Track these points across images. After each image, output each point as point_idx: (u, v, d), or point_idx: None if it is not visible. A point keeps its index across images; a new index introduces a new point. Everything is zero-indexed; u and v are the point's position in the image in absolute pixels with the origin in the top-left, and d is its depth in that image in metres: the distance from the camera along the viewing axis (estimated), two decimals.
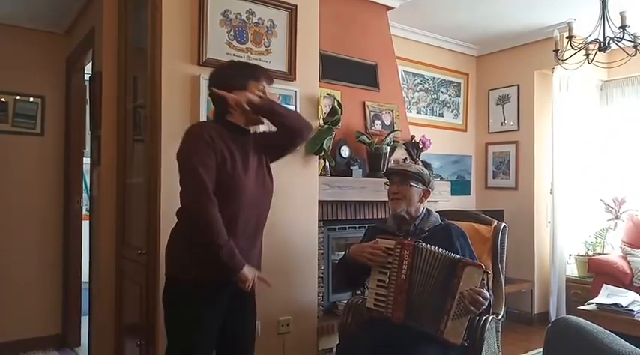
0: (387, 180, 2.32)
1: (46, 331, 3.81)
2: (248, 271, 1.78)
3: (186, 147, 1.77)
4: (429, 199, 2.30)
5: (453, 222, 2.38)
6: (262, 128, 1.99)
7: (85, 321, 3.54)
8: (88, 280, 3.29)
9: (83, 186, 4.02)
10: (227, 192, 1.76)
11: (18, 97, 3.78)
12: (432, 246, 2.04)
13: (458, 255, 2.07)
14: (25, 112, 3.80)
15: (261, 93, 1.86)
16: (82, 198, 3.94)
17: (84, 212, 3.97)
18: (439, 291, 2.00)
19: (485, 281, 1.98)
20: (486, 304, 1.97)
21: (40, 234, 3.82)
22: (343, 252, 3.13)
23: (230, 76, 1.88)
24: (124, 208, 2.77)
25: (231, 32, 2.50)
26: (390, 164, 3.35)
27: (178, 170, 1.77)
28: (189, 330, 1.80)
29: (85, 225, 3.60)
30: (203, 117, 2.39)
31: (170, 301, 1.86)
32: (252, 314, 2.02)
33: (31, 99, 3.83)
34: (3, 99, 3.74)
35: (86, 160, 3.75)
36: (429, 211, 2.31)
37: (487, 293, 1.96)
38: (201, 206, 1.70)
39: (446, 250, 2.05)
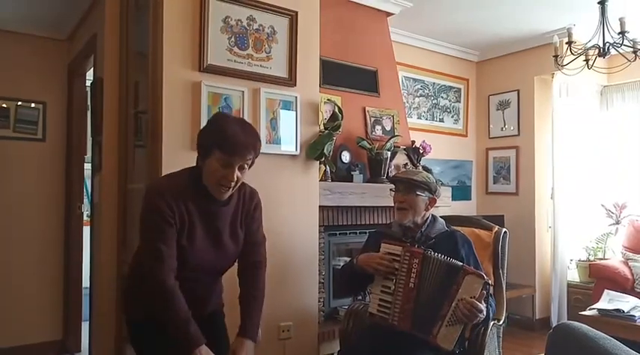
0: (392, 186, 2.30)
1: (47, 337, 3.80)
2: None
3: (145, 216, 1.69)
4: None
5: (455, 228, 2.38)
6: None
7: (85, 327, 3.53)
8: (88, 286, 3.29)
9: (84, 191, 4.03)
10: (181, 257, 1.69)
11: (19, 103, 3.79)
12: (440, 255, 2.03)
13: (462, 262, 2.06)
14: (27, 118, 3.82)
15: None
16: (83, 203, 3.94)
17: (85, 217, 3.96)
18: (438, 297, 1.99)
19: (485, 292, 1.96)
20: (481, 316, 1.94)
21: (41, 239, 3.82)
22: (344, 258, 3.15)
23: (198, 140, 1.74)
24: (125, 214, 2.77)
25: (232, 38, 2.51)
26: (390, 169, 3.35)
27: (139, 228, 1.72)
28: None
29: (86, 231, 3.60)
30: (204, 123, 2.39)
31: (133, 344, 1.82)
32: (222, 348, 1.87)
33: (33, 105, 3.84)
34: (4, 105, 3.75)
35: (87, 166, 3.76)
36: (434, 217, 2.28)
37: (482, 306, 1.94)
38: (158, 278, 1.62)
39: (451, 258, 2.03)
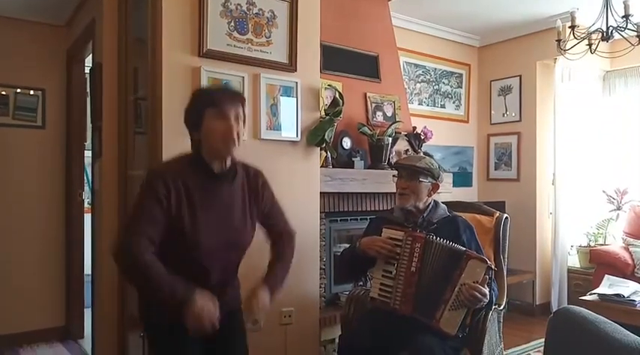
0: (395, 172, 2.30)
1: (50, 323, 3.83)
2: (201, 302, 1.55)
3: (137, 196, 1.66)
4: None
5: (457, 213, 2.37)
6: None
7: (88, 313, 3.56)
8: (90, 272, 3.30)
9: (84, 178, 4.03)
10: (182, 239, 1.65)
11: (18, 90, 3.77)
12: (443, 240, 2.03)
13: (464, 247, 2.06)
14: (26, 105, 3.80)
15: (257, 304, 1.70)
16: (83, 190, 3.94)
17: (86, 205, 3.97)
18: (441, 281, 2.00)
19: (487, 277, 1.97)
20: (485, 300, 1.95)
21: (43, 227, 3.83)
22: (345, 244, 3.15)
23: (187, 116, 1.72)
24: (125, 200, 2.77)
25: (232, 23, 2.49)
26: (391, 155, 3.34)
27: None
28: None
29: (87, 218, 3.61)
30: None
31: (151, 344, 1.81)
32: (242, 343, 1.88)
33: (32, 92, 3.82)
34: (3, 93, 3.74)
35: (87, 153, 3.75)
36: (436, 202, 2.29)
37: (486, 290, 1.95)
38: (132, 251, 1.57)
39: (453, 242, 2.04)
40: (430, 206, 2.25)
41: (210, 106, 1.65)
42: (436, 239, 2.04)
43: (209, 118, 1.65)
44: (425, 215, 2.23)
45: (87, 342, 3.60)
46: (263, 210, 1.86)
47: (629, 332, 1.46)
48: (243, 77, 2.52)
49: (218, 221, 1.71)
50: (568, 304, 4.25)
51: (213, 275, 1.72)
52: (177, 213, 1.63)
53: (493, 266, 2.03)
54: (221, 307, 1.66)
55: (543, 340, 1.67)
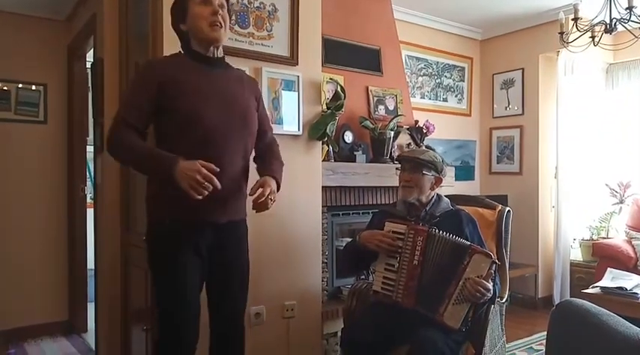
0: (398, 165, 2.30)
1: (53, 317, 3.85)
2: (188, 163, 1.58)
3: (128, 85, 1.75)
4: None
5: (459, 207, 2.37)
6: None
7: (91, 307, 3.58)
8: (93, 267, 3.31)
9: (87, 173, 4.03)
10: (184, 118, 1.68)
11: (20, 85, 3.77)
12: (445, 233, 2.03)
13: (467, 241, 2.06)
14: (28, 100, 3.80)
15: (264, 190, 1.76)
16: (85, 185, 3.95)
17: (88, 199, 3.98)
18: (445, 275, 2.00)
19: (492, 271, 1.97)
20: (488, 295, 1.95)
21: (45, 222, 3.84)
22: (347, 238, 3.16)
23: (172, 12, 1.80)
24: (127, 195, 2.78)
25: (233, 16, 2.47)
26: (393, 149, 3.34)
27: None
28: (168, 270, 1.74)
29: (90, 213, 3.62)
30: None
31: (148, 243, 1.81)
32: (238, 257, 1.90)
33: (34, 87, 3.82)
34: (5, 88, 3.74)
35: (89, 148, 3.75)
36: (439, 196, 2.29)
37: (490, 285, 1.95)
38: (115, 133, 1.68)
39: (456, 236, 2.04)
40: (433, 199, 2.25)
41: None
42: (439, 232, 2.04)
43: (193, 6, 1.73)
44: (428, 208, 2.23)
45: (90, 336, 3.62)
46: (260, 117, 1.93)
47: (631, 325, 1.46)
48: (245, 71, 2.51)
49: (222, 103, 1.73)
50: (570, 297, 4.26)
51: (226, 167, 1.70)
52: (171, 93, 1.67)
53: (497, 261, 2.03)
54: (230, 213, 1.76)
55: (545, 333, 1.67)
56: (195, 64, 1.76)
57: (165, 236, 1.75)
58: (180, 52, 1.84)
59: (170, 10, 1.82)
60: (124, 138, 1.67)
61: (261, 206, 1.78)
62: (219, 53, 1.81)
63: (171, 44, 2.31)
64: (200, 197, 1.58)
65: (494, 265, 1.97)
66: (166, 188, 1.67)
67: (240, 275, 1.92)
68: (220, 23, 1.73)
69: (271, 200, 1.79)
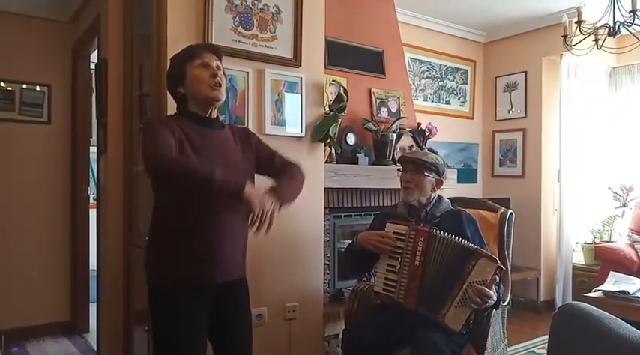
0: (400, 166, 2.30)
1: (55, 318, 3.86)
2: (253, 191, 1.56)
3: (145, 137, 1.68)
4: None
5: (461, 208, 2.37)
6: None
7: (93, 308, 3.58)
8: (95, 267, 3.32)
9: (90, 174, 4.04)
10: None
11: (24, 86, 3.79)
12: (447, 234, 2.03)
13: (468, 241, 2.06)
14: (32, 101, 3.82)
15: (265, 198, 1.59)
16: (89, 186, 3.96)
17: (91, 200, 3.99)
18: (449, 277, 2.00)
19: (496, 277, 1.96)
20: (490, 302, 1.95)
21: (48, 222, 3.85)
22: (349, 240, 3.15)
23: (169, 75, 1.80)
24: (130, 196, 2.78)
25: (237, 18, 2.48)
26: (396, 151, 3.34)
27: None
28: (173, 339, 1.72)
29: (93, 213, 3.63)
30: None
31: (152, 312, 1.78)
32: (243, 316, 1.89)
33: (38, 87, 3.84)
34: (10, 88, 3.75)
35: (93, 148, 3.76)
36: (440, 197, 2.29)
37: (492, 292, 1.94)
38: (158, 154, 1.59)
39: (458, 236, 2.04)
40: (434, 200, 2.25)
41: (191, 59, 1.76)
42: (440, 233, 2.04)
43: (192, 69, 1.74)
44: (428, 209, 2.23)
45: (92, 337, 3.62)
46: (259, 155, 1.91)
47: (633, 328, 1.45)
48: (248, 72, 2.52)
49: (219, 160, 1.71)
50: (573, 301, 4.26)
51: (226, 227, 1.71)
52: (181, 151, 1.67)
53: (503, 267, 2.02)
54: (238, 269, 1.77)
55: (547, 337, 1.66)
56: (194, 125, 1.75)
57: (168, 305, 1.72)
58: (176, 113, 1.83)
59: (167, 74, 1.83)
60: (172, 157, 1.61)
61: (258, 229, 1.65)
62: (215, 113, 1.81)
63: (175, 45, 2.32)
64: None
65: (499, 270, 1.96)
66: (166, 248, 1.70)
67: (245, 341, 1.90)
68: (220, 83, 1.76)
69: (262, 219, 1.60)
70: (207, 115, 1.79)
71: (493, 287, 1.96)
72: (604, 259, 4.21)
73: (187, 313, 1.71)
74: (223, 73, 1.81)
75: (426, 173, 2.19)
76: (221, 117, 1.98)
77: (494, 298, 1.97)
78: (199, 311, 1.74)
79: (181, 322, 1.71)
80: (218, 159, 1.72)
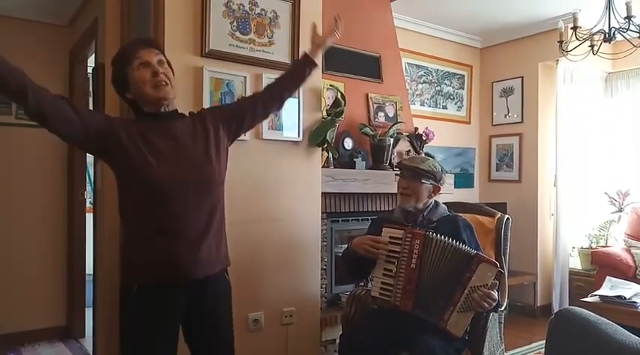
0: (398, 171, 2.31)
1: (51, 322, 3.84)
2: None
3: None
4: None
5: (458, 213, 2.38)
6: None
7: (89, 313, 3.56)
8: (91, 272, 3.30)
9: (87, 178, 4.03)
10: (140, 182, 1.63)
11: None
12: (443, 236, 2.04)
13: (465, 245, 2.07)
14: None
15: None
16: (85, 190, 3.95)
17: (87, 204, 3.98)
18: (449, 282, 2.00)
19: (497, 281, 1.97)
20: (493, 305, 1.97)
21: (44, 226, 3.83)
22: (346, 245, 3.15)
23: (113, 82, 1.74)
24: None
25: (234, 23, 2.49)
26: (393, 156, 3.34)
27: None
28: (139, 342, 1.68)
29: (89, 218, 3.61)
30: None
31: (120, 310, 1.75)
32: (219, 319, 1.79)
33: None
34: None
35: None
36: (436, 202, 2.30)
37: (496, 295, 1.96)
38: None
39: (455, 240, 2.05)
40: (430, 206, 2.26)
41: (129, 61, 1.68)
42: (436, 236, 2.04)
43: (132, 72, 1.67)
44: (425, 214, 2.24)
45: (88, 342, 3.60)
46: (228, 117, 1.86)
47: (630, 334, 1.46)
48: (246, 77, 2.52)
49: (173, 156, 1.66)
50: (569, 306, 4.26)
51: (189, 224, 1.66)
52: (124, 152, 1.62)
53: (502, 270, 2.03)
54: (206, 266, 1.68)
55: (544, 342, 1.66)
56: (148, 123, 1.71)
57: (135, 304, 1.67)
58: (135, 118, 1.79)
59: (111, 81, 1.77)
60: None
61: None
62: (170, 107, 1.75)
63: (172, 48, 2.33)
64: None
65: (500, 274, 1.98)
66: (137, 246, 1.67)
67: (225, 342, 1.82)
68: (165, 81, 1.68)
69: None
70: (162, 111, 1.72)
71: (495, 290, 1.97)
72: (600, 264, 4.21)
73: (152, 311, 1.66)
74: (168, 64, 1.73)
75: (423, 180, 2.20)
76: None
77: (497, 299, 1.98)
78: (165, 309, 1.68)
79: (147, 322, 1.66)
80: (172, 156, 1.66)
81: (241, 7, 2.51)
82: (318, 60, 2.04)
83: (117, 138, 1.63)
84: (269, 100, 1.97)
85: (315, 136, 2.75)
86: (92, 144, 1.67)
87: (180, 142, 1.70)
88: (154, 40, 1.79)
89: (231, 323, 1.85)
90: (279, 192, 2.61)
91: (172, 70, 1.75)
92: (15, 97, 1.57)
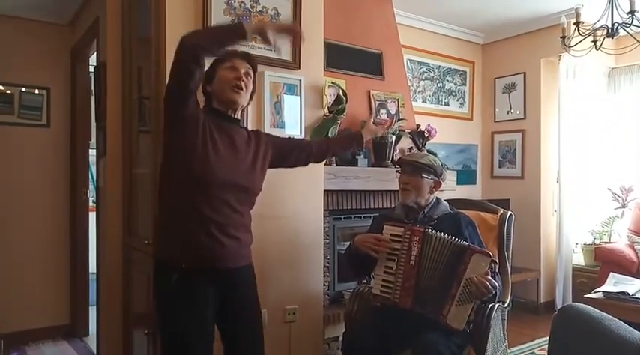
0: (398, 168, 2.31)
1: (55, 321, 3.85)
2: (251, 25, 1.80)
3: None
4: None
5: (459, 211, 2.38)
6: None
7: (93, 311, 3.58)
8: (95, 271, 3.31)
9: (89, 177, 4.04)
10: (192, 167, 1.73)
11: (23, 89, 3.79)
12: (442, 233, 2.05)
13: (467, 242, 2.07)
14: (31, 104, 3.82)
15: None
16: (88, 189, 3.96)
17: (90, 203, 3.99)
18: (445, 277, 2.01)
19: (490, 271, 1.98)
20: (493, 292, 1.97)
21: (47, 226, 3.84)
22: (349, 242, 3.15)
23: (205, 74, 1.86)
24: (130, 199, 2.78)
25: (236, 21, 2.48)
26: (395, 153, 3.34)
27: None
28: (172, 318, 1.77)
29: (92, 216, 3.62)
30: None
31: (154, 285, 1.85)
32: (250, 303, 1.93)
33: (37, 90, 3.84)
34: (9, 91, 3.75)
35: (92, 151, 3.76)
36: (438, 200, 2.30)
37: (495, 282, 1.97)
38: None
39: (453, 236, 2.05)
40: (431, 202, 2.26)
41: (222, 61, 1.86)
42: (435, 232, 2.05)
43: (221, 70, 1.85)
44: (426, 211, 2.24)
45: (92, 340, 3.61)
46: (279, 146, 2.04)
47: (633, 329, 1.46)
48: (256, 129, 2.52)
49: (229, 158, 1.81)
50: (572, 302, 4.25)
51: (227, 220, 1.78)
52: (203, 135, 1.75)
53: (496, 260, 2.04)
54: (239, 258, 1.83)
55: (548, 338, 1.66)
56: (216, 120, 1.85)
57: (176, 292, 1.76)
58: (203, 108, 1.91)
59: (204, 75, 1.89)
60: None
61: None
62: (236, 115, 1.91)
63: (173, 47, 2.32)
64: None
65: (493, 263, 1.98)
66: (175, 226, 1.76)
67: (253, 330, 1.93)
68: (242, 88, 1.84)
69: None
70: (229, 114, 1.88)
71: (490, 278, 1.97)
72: (604, 260, 4.21)
73: (192, 299, 1.75)
74: (254, 81, 1.91)
75: (423, 174, 2.20)
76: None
77: (496, 286, 1.98)
78: (204, 297, 1.77)
79: (186, 309, 1.74)
80: (228, 158, 1.81)
81: (242, 5, 2.51)
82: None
83: (196, 121, 1.77)
84: (314, 153, 2.19)
85: (317, 134, 2.75)
86: (186, 113, 1.77)
87: (236, 148, 1.85)
88: (253, 58, 1.96)
89: (259, 307, 1.98)
90: (281, 190, 2.61)
91: (255, 87, 1.94)
92: (207, 52, 1.76)
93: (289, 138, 2.21)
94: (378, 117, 3.50)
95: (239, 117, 1.93)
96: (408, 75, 4.29)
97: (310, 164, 2.64)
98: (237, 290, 1.87)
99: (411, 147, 3.52)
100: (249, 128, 2.13)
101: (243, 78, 1.84)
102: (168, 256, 1.79)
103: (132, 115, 2.79)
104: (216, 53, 1.81)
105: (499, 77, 4.98)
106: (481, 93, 5.12)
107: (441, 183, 2.27)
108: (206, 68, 1.83)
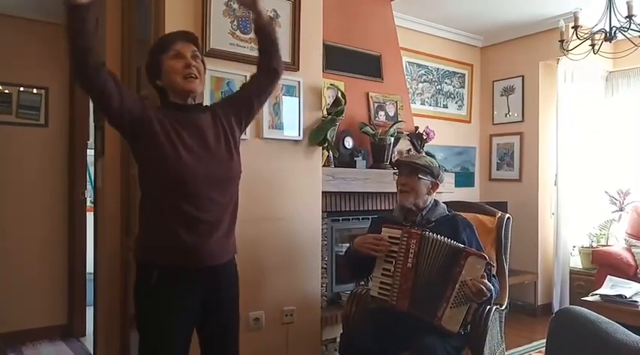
0: (396, 170, 2.32)
1: (52, 321, 3.84)
2: None
3: None
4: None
5: (457, 213, 2.38)
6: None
7: (90, 312, 3.57)
8: (92, 271, 3.31)
9: (87, 177, 4.04)
10: (168, 173, 1.66)
11: (22, 89, 3.78)
12: (439, 236, 2.05)
13: (464, 245, 2.07)
14: (29, 104, 3.81)
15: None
16: (86, 189, 3.95)
17: (88, 203, 3.99)
18: (441, 279, 2.01)
19: (486, 273, 1.98)
20: (488, 295, 1.97)
21: (45, 225, 3.84)
22: (347, 244, 3.16)
23: (147, 69, 1.78)
24: (128, 199, 2.78)
25: (235, 22, 2.49)
26: (393, 155, 3.34)
27: None
28: (152, 321, 1.75)
29: (90, 217, 3.62)
30: None
31: (134, 289, 1.80)
32: (232, 304, 1.87)
33: (35, 90, 3.83)
34: (7, 91, 3.75)
35: (90, 152, 3.76)
36: (436, 202, 2.31)
37: (490, 285, 1.97)
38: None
39: (452, 239, 2.05)
40: (429, 205, 2.27)
41: (165, 50, 1.74)
42: (432, 235, 2.05)
43: (166, 61, 1.73)
44: (424, 213, 2.25)
45: (89, 340, 3.61)
46: (236, 107, 1.89)
47: (630, 333, 1.46)
48: (246, 76, 2.50)
49: (204, 153, 1.72)
50: (570, 304, 4.26)
51: (209, 215, 1.71)
52: (166, 139, 1.66)
53: (492, 263, 2.04)
54: (222, 255, 1.76)
55: (545, 341, 1.66)
56: (175, 114, 1.75)
57: (155, 290, 1.72)
58: (159, 106, 1.82)
59: (144, 68, 1.81)
60: None
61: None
62: (194, 100, 1.81)
63: None
64: None
65: (489, 266, 1.99)
66: (160, 229, 1.69)
67: (231, 330, 1.88)
68: (195, 74, 1.74)
69: None
70: (189, 103, 1.78)
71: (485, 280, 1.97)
72: (601, 263, 4.21)
73: (172, 297, 1.70)
74: (202, 60, 1.80)
75: (420, 175, 2.21)
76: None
77: (492, 289, 1.98)
78: (184, 294, 1.72)
79: (165, 307, 1.70)
80: (198, 148, 1.72)
81: (242, 7, 2.51)
82: (264, 15, 1.94)
83: (149, 123, 1.67)
84: (265, 75, 1.97)
85: (316, 135, 2.75)
86: (126, 125, 1.68)
87: (206, 140, 1.75)
88: (194, 35, 1.83)
89: (238, 306, 1.91)
90: (279, 192, 2.61)
91: (205, 66, 1.82)
92: (80, 51, 1.53)
93: (238, 90, 2.04)
94: (377, 119, 3.51)
95: (199, 101, 1.83)
96: (406, 77, 4.30)
97: (307, 166, 2.63)
98: (220, 290, 1.81)
99: (410, 149, 3.53)
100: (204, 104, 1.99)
101: (193, 62, 1.73)
102: (151, 259, 1.73)
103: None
104: (86, 42, 1.52)
105: (497, 80, 4.99)
106: (479, 96, 5.13)
107: (438, 185, 2.27)
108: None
